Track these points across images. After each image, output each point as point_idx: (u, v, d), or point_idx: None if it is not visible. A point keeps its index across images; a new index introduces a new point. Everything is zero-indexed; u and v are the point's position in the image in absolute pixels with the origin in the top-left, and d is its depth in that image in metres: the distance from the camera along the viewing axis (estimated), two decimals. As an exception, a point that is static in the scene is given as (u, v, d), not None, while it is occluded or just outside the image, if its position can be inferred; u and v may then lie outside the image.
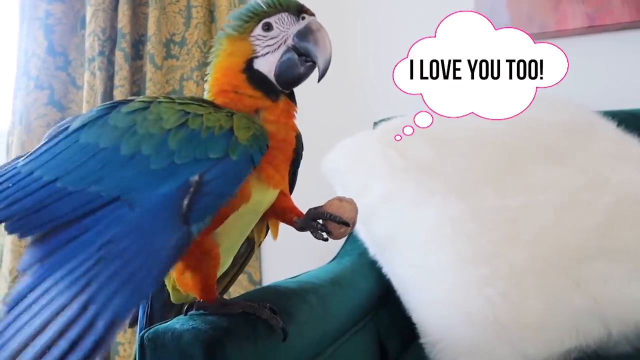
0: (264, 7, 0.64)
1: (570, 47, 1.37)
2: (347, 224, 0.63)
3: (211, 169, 0.52)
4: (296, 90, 0.67)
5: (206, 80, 0.66)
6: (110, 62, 1.68)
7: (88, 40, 1.67)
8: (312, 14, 0.65)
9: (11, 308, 0.46)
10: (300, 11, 0.64)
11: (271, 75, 0.63)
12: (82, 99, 1.71)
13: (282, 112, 0.64)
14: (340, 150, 1.16)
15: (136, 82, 1.71)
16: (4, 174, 0.57)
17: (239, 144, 0.54)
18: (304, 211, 0.68)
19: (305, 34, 0.63)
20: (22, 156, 0.59)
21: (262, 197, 0.64)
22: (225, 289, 0.80)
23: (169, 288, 0.70)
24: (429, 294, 0.92)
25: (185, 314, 0.65)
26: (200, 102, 0.61)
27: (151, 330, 0.60)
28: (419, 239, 0.96)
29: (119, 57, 1.64)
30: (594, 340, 0.85)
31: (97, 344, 0.41)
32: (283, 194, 0.69)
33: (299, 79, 0.64)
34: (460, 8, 1.45)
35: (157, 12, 1.65)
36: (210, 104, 0.62)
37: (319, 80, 0.64)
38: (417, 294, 0.95)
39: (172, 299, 0.72)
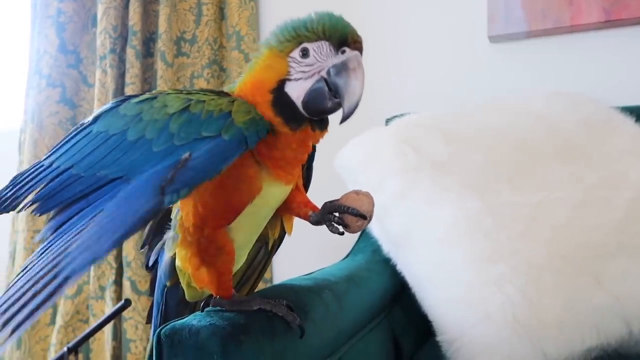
0: (306, 31, 0.60)
1: (586, 42, 1.37)
2: (364, 217, 0.62)
3: (202, 146, 0.53)
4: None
5: (240, 74, 0.65)
6: (122, 60, 1.68)
7: (99, 38, 1.67)
8: (357, 47, 0.60)
9: (22, 271, 0.51)
10: (342, 43, 0.59)
11: (299, 102, 0.60)
12: (93, 96, 1.71)
13: (297, 142, 0.61)
14: (353, 147, 1.15)
15: (147, 80, 1.71)
16: (32, 168, 0.64)
17: (233, 125, 0.55)
18: (319, 206, 0.67)
19: (339, 70, 0.59)
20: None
21: (274, 191, 0.64)
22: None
23: (184, 285, 0.70)
24: (446, 291, 0.91)
25: (202, 311, 0.65)
26: (208, 91, 0.61)
27: (168, 326, 0.59)
28: (435, 236, 0.95)
29: (130, 54, 1.65)
30: (615, 338, 0.84)
31: (46, 299, 0.44)
32: (296, 189, 0.68)
33: (326, 112, 0.61)
34: (472, 5, 1.45)
35: (168, 10, 1.65)
36: (218, 93, 0.61)
37: (340, 123, 0.60)
38: (434, 292, 0.94)
39: (186, 296, 0.71)
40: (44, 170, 0.61)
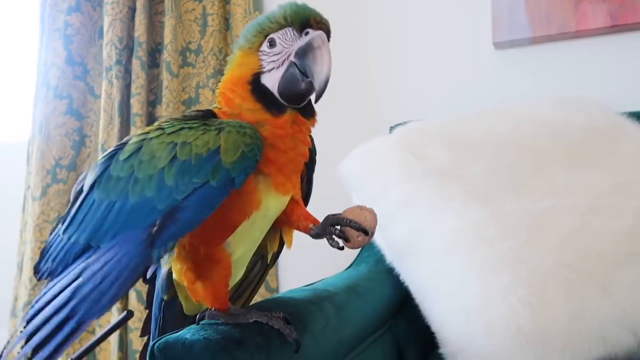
0: (269, 22, 0.62)
1: (592, 47, 1.35)
2: (366, 232, 0.62)
3: (190, 195, 0.54)
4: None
5: (217, 87, 0.66)
6: (127, 71, 1.69)
7: (105, 50, 1.69)
8: (320, 27, 0.61)
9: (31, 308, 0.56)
10: (304, 26, 0.61)
11: (275, 91, 0.62)
12: (100, 107, 1.73)
13: (287, 125, 0.62)
14: (357, 155, 1.14)
15: (153, 90, 1.72)
16: (54, 241, 0.65)
17: (221, 167, 0.55)
18: (321, 219, 0.66)
19: (305, 51, 0.61)
20: (63, 220, 0.65)
21: (271, 204, 0.63)
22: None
23: (182, 299, 0.69)
24: (450, 301, 0.90)
25: (197, 324, 0.64)
26: (194, 119, 0.60)
27: (162, 340, 0.59)
28: (439, 245, 0.93)
29: (136, 65, 1.66)
30: (623, 349, 0.82)
31: (65, 339, 0.50)
32: (295, 202, 0.67)
33: (302, 96, 0.62)
34: (477, 11, 1.44)
35: (174, 21, 1.66)
36: (206, 116, 0.62)
37: (315, 101, 0.63)
38: (437, 302, 0.92)
39: (184, 309, 0.71)
40: (64, 243, 0.62)
